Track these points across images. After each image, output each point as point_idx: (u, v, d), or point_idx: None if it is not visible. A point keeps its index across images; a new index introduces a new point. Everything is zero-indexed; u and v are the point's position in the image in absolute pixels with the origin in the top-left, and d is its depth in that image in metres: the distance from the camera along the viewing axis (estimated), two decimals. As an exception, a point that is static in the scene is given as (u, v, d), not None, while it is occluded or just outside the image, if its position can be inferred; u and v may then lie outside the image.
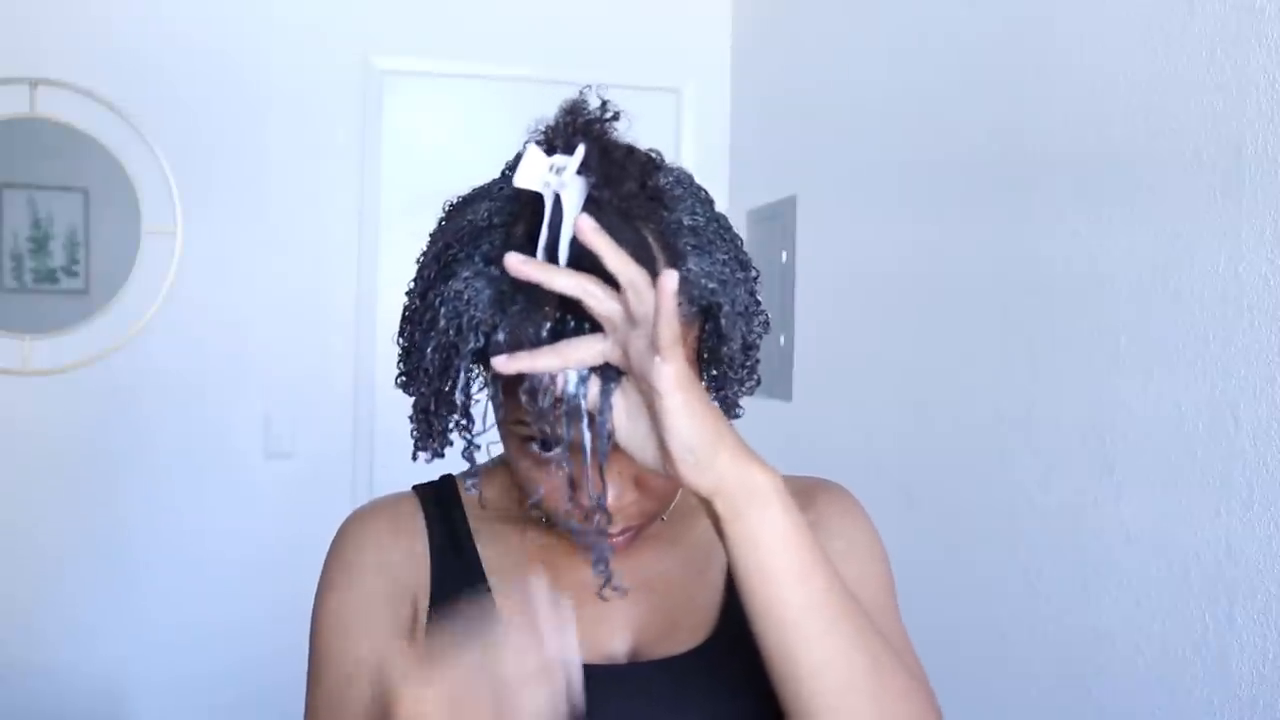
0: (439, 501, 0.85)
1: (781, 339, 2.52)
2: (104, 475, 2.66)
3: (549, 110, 0.68)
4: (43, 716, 2.60)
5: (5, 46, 2.58)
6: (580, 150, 0.63)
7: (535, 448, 0.70)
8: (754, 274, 0.76)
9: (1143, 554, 1.35)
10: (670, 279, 0.58)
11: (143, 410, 2.67)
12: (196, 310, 2.69)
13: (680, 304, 0.67)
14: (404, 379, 0.73)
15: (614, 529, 0.73)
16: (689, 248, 0.70)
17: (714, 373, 0.75)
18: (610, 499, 0.70)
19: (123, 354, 2.65)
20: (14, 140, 2.59)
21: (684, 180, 0.75)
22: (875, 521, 0.89)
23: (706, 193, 0.76)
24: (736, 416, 0.80)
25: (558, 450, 0.67)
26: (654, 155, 0.73)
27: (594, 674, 0.75)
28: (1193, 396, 1.27)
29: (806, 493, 0.86)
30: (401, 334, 0.73)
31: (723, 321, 0.70)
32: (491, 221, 0.69)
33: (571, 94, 0.68)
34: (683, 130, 2.95)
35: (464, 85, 2.84)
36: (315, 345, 2.76)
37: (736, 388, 0.78)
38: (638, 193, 0.67)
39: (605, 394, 0.63)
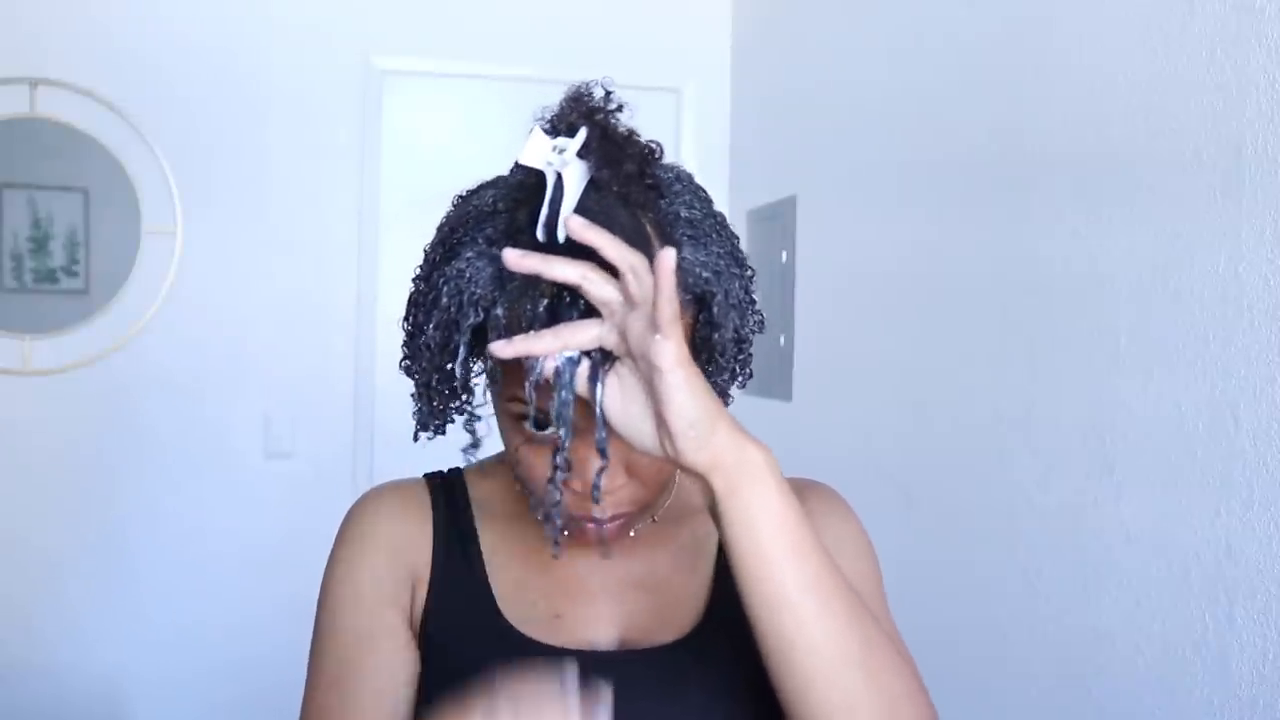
0: (446, 490, 0.87)
1: (781, 339, 2.52)
2: (104, 475, 2.66)
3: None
4: (42, 716, 2.60)
5: (5, 46, 2.58)
6: (582, 132, 0.65)
7: (529, 426, 0.71)
8: (749, 272, 0.78)
9: (1143, 554, 1.35)
10: (669, 256, 0.59)
11: (143, 410, 2.67)
12: (196, 310, 2.69)
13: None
14: (408, 361, 0.75)
15: (604, 514, 0.74)
16: (685, 237, 0.72)
17: (706, 362, 0.75)
18: (604, 482, 0.70)
19: (123, 354, 2.65)
20: (14, 140, 2.59)
21: (683, 176, 0.77)
22: (875, 521, 0.90)
23: (705, 192, 0.78)
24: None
25: (549, 431, 0.68)
26: (654, 146, 0.74)
27: (580, 660, 0.76)
28: (1193, 396, 1.27)
29: (795, 491, 0.87)
30: (407, 318, 0.75)
31: (715, 310, 0.72)
32: (496, 207, 0.71)
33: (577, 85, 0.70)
34: (683, 130, 2.95)
35: (464, 85, 2.84)
36: (315, 345, 2.76)
37: (728, 378, 0.79)
38: (636, 178, 0.69)
39: (594, 377, 0.64)
